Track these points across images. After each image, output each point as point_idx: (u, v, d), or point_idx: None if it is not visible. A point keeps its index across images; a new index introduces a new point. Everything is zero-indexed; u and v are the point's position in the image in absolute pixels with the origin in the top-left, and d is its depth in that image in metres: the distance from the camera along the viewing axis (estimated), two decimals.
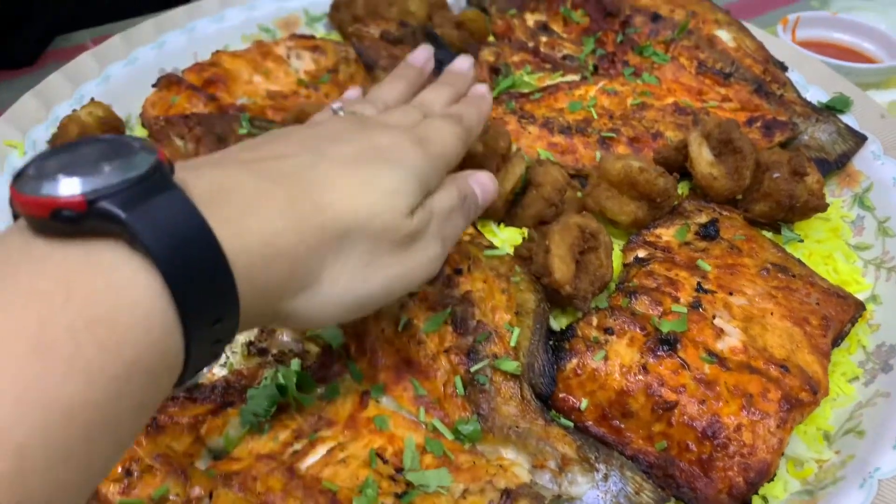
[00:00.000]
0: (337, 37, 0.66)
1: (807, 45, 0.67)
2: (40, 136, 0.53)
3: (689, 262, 0.43)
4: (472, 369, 0.37)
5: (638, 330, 0.38)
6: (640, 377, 0.37)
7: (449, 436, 0.35)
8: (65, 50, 0.80)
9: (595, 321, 0.39)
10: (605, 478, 0.34)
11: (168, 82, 0.55)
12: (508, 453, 0.35)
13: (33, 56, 0.81)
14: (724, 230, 0.45)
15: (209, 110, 0.52)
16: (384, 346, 0.38)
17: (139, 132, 0.55)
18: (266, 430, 0.35)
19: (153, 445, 0.33)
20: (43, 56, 0.79)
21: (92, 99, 0.53)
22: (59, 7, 0.83)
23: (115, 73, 0.57)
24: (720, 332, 0.38)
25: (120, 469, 0.31)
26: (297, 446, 0.34)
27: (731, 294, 0.40)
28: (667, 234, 0.45)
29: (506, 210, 0.47)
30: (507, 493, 0.33)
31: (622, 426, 0.37)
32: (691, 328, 0.38)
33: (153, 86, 0.55)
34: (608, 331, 0.38)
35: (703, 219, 0.46)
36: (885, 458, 0.35)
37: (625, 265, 0.44)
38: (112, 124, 0.52)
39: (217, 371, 0.37)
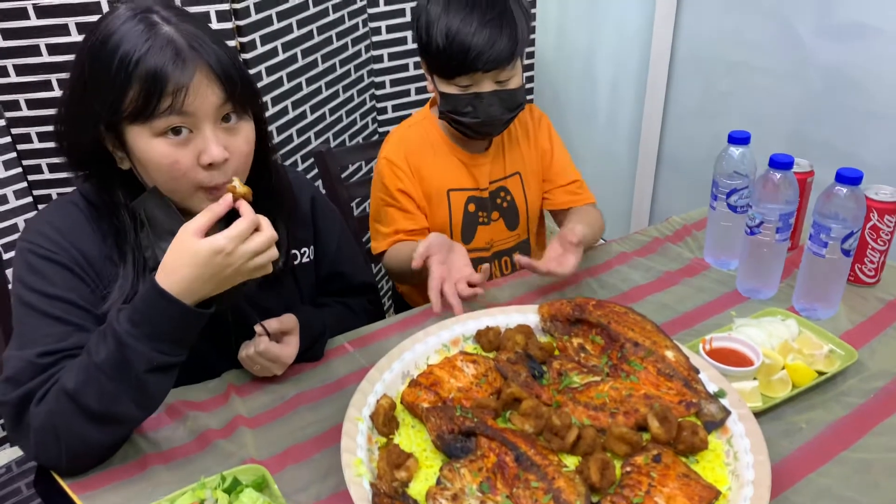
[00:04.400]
0: (480, 349, 1.33)
1: (716, 351, 1.31)
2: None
3: (647, 472, 1.04)
4: None
5: (625, 502, 0.99)
6: None
7: None
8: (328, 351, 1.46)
9: (608, 499, 1.00)
10: None
11: (413, 384, 1.20)
12: None
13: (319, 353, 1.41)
14: (664, 457, 1.07)
15: (435, 401, 1.17)
16: None
17: (399, 408, 1.19)
18: None
19: None
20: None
21: (384, 394, 1.19)
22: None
23: (386, 377, 1.24)
24: (657, 502, 0.99)
25: None
26: None
27: (663, 486, 1.01)
28: (639, 460, 1.06)
29: (571, 449, 1.10)
30: None
31: None
32: (646, 501, 0.99)
33: (408, 385, 1.21)
34: (613, 503, 0.99)
35: (654, 452, 1.08)
36: None
37: (622, 474, 1.05)
38: (392, 411, 1.16)
39: None
